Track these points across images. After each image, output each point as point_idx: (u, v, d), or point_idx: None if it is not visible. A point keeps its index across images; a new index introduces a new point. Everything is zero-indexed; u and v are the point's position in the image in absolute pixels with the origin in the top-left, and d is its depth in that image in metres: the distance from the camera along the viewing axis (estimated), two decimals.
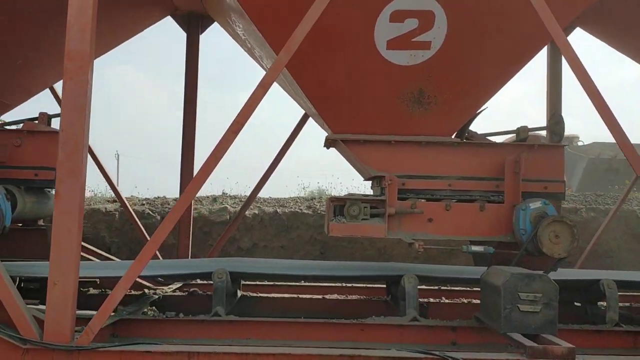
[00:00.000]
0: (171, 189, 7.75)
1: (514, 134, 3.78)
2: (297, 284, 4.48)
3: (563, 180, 3.52)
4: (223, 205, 6.00)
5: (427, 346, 3.02)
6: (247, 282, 4.64)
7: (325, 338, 3.23)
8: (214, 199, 6.34)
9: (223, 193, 6.63)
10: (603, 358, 2.49)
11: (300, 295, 4.22)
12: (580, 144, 12.61)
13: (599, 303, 3.60)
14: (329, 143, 3.68)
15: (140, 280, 4.40)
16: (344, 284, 4.86)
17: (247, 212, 5.61)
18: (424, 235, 3.40)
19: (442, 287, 4.72)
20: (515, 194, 3.35)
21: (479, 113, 3.65)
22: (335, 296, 4.25)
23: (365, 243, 5.74)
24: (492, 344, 3.04)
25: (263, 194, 6.65)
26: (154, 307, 4.07)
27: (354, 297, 4.27)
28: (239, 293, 4.11)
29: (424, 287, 4.84)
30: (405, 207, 3.39)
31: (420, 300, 4.33)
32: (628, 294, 4.36)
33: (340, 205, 3.39)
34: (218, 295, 3.27)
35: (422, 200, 3.49)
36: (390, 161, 3.48)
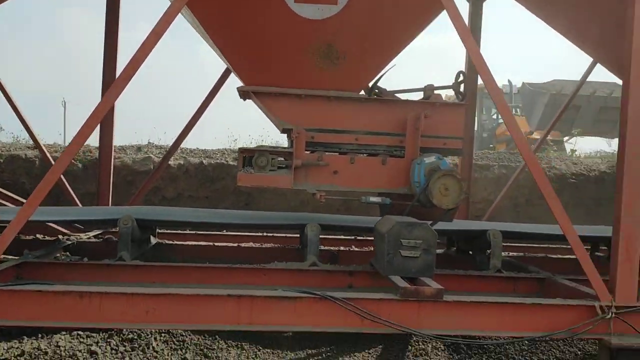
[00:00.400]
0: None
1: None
2: (215, 232, 4.60)
3: (461, 137, 3.73)
4: (147, 155, 5.97)
5: (325, 289, 3.23)
6: (169, 231, 4.74)
7: (227, 282, 3.39)
8: (139, 148, 6.29)
9: (149, 142, 6.58)
10: (467, 297, 2.74)
11: (216, 243, 4.35)
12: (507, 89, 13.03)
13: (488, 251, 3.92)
14: (242, 94, 3.73)
15: (54, 226, 4.42)
16: (265, 234, 5.05)
17: (172, 163, 5.62)
18: (329, 186, 3.56)
19: (358, 237, 4.98)
20: (414, 149, 3.54)
21: (388, 70, 3.78)
22: (250, 244, 4.41)
23: (289, 195, 5.89)
24: (384, 287, 3.28)
25: (190, 144, 6.67)
26: (67, 253, 4.11)
27: (269, 245, 4.43)
28: (154, 240, 4.20)
29: (341, 237, 5.08)
30: (312, 159, 3.52)
31: (332, 248, 4.61)
32: (522, 245, 4.75)
33: (250, 156, 3.49)
34: (123, 240, 3.34)
35: (329, 153, 3.64)
36: (300, 114, 3.58)
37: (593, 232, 3.99)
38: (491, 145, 12.82)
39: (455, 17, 2.75)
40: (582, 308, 2.73)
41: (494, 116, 13.69)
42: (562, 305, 2.72)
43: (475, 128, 13.23)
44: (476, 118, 13.76)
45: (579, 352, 4.75)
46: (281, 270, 3.43)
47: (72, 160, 5.82)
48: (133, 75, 2.54)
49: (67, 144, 7.28)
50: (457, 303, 2.68)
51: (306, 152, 3.55)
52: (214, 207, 5.79)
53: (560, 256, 4.48)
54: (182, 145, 6.07)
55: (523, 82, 12.16)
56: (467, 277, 3.51)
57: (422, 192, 3.32)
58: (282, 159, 3.50)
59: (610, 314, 2.69)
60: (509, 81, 13.04)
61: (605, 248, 4.51)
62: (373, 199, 3.45)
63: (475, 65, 2.80)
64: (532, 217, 6.13)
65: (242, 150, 3.48)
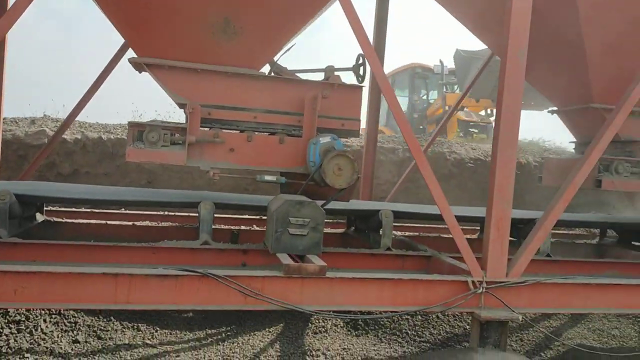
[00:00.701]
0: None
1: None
2: (110, 210, 4.42)
3: (359, 119, 3.80)
4: (41, 128, 5.61)
5: (218, 267, 3.21)
6: (62, 209, 4.50)
7: (114, 261, 3.27)
8: (33, 121, 5.89)
9: (44, 115, 6.17)
10: (349, 273, 2.82)
11: (109, 222, 4.18)
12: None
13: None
14: (135, 66, 3.58)
15: None
16: (167, 212, 4.92)
17: (68, 137, 5.31)
18: (225, 164, 3.52)
19: (263, 217, 4.98)
20: (311, 129, 3.56)
21: (288, 49, 3.77)
22: (147, 223, 4.28)
23: (195, 174, 5.77)
24: (276, 265, 3.31)
25: (91, 119, 6.34)
26: None
27: (167, 223, 4.33)
28: (40, 217, 3.97)
29: (246, 216, 5.05)
30: (208, 136, 3.45)
31: (233, 227, 4.58)
32: (419, 225, 4.96)
33: (141, 130, 3.37)
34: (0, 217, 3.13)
35: (226, 130, 3.59)
36: (196, 90, 3.49)
37: (478, 213, 4.22)
38: (421, 127, 13.03)
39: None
40: (456, 283, 2.89)
41: (424, 97, 13.89)
42: (437, 281, 2.87)
43: (405, 109, 13.49)
44: (407, 99, 14.09)
45: (467, 327, 5.09)
46: (172, 249, 3.36)
47: None
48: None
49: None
50: (339, 279, 2.76)
51: (202, 128, 3.48)
52: (114, 184, 5.55)
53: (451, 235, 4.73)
54: (80, 119, 5.77)
55: (457, 49, 12.33)
56: (359, 255, 3.61)
57: (316, 172, 3.36)
58: (176, 134, 3.41)
59: (481, 288, 2.87)
60: (440, 61, 13.30)
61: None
62: (267, 177, 3.45)
63: (364, 52, 2.85)
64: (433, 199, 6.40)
65: (132, 125, 3.35)
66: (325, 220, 5.20)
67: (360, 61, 3.93)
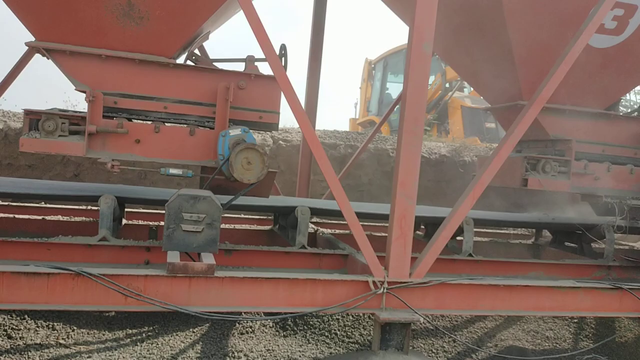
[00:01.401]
0: None
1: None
2: (21, 204, 4.20)
3: (278, 111, 3.66)
4: None
5: (119, 265, 3.03)
6: None
7: (11, 257, 3.08)
8: None
9: None
10: (239, 272, 2.68)
11: (17, 215, 3.96)
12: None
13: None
14: (35, 51, 3.37)
15: None
16: (89, 207, 4.71)
17: None
18: (129, 156, 3.34)
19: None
20: (224, 120, 3.41)
21: (202, 37, 3.60)
22: (58, 217, 4.07)
23: (126, 169, 5.53)
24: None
25: (18, 108, 6.05)
26: None
27: (80, 218, 4.12)
28: None
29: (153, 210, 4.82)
30: (110, 126, 3.26)
31: (151, 223, 4.39)
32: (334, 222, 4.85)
33: (37, 119, 3.17)
34: None
35: (132, 120, 3.41)
36: (101, 77, 3.30)
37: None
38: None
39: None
40: (356, 283, 2.78)
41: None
42: (337, 281, 2.75)
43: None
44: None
45: None
46: (69, 245, 3.16)
47: None
48: None
49: None
50: (230, 279, 2.61)
51: (105, 118, 3.30)
52: (38, 177, 5.30)
53: (383, 234, 4.63)
54: (5, 108, 5.51)
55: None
56: (273, 253, 3.48)
57: (223, 165, 3.21)
58: (76, 124, 3.22)
59: (382, 289, 2.76)
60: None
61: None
62: (173, 170, 3.27)
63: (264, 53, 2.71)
64: (374, 196, 6.31)
65: (27, 113, 3.14)
66: (253, 217, 5.15)
67: (282, 51, 3.80)
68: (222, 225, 4.66)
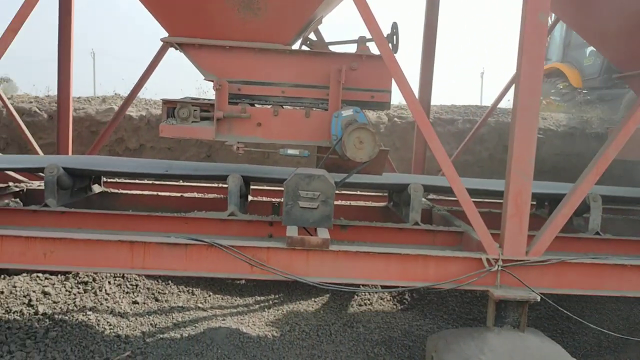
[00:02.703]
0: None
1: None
2: (162, 182, 4.71)
3: (390, 90, 3.71)
4: (110, 106, 6.05)
5: (245, 238, 3.33)
6: (125, 180, 4.88)
7: (150, 230, 3.50)
8: (103, 99, 6.36)
9: (114, 94, 6.64)
10: (354, 247, 2.80)
11: (160, 193, 4.47)
12: None
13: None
14: (169, 45, 3.74)
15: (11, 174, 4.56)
16: (220, 185, 5.15)
17: (134, 114, 5.69)
18: (252, 138, 3.61)
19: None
20: (337, 101, 3.54)
21: (315, 22, 3.74)
22: (194, 194, 4.52)
23: (250, 150, 5.94)
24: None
25: (158, 97, 6.72)
26: (17, 200, 4.28)
27: (213, 195, 4.54)
28: (98, 189, 4.33)
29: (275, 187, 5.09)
30: (235, 111, 3.55)
31: (274, 200, 4.69)
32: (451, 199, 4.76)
33: (173, 107, 3.54)
34: (48, 188, 3.47)
35: (254, 105, 3.67)
36: (226, 66, 3.59)
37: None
38: None
39: None
40: (469, 260, 2.78)
41: None
42: (449, 257, 2.78)
43: None
44: None
45: None
46: (203, 219, 3.53)
47: (38, 110, 5.96)
48: (20, 27, 2.59)
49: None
50: (344, 252, 2.76)
51: (231, 104, 3.59)
52: (176, 158, 5.89)
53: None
54: (145, 97, 6.15)
55: None
56: (386, 229, 3.57)
57: (337, 145, 3.35)
58: (206, 110, 3.54)
59: (496, 266, 2.74)
60: None
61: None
62: (291, 151, 3.49)
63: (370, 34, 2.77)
64: (495, 172, 6.09)
65: (164, 102, 3.53)
66: (369, 194, 5.26)
67: (393, 30, 3.81)
68: (339, 202, 4.86)
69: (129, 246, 2.71)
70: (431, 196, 5.19)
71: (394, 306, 4.83)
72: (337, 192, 5.31)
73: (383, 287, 2.87)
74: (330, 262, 2.75)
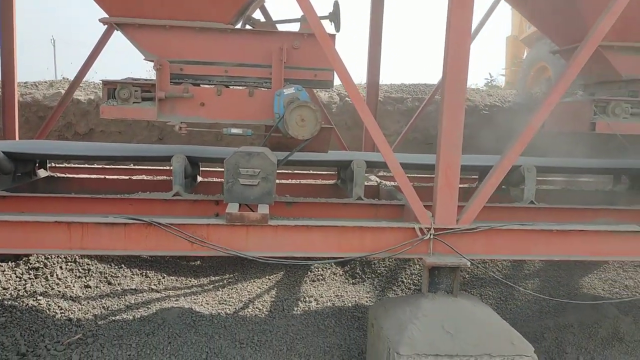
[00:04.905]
0: None
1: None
2: (110, 166, 4.68)
3: (332, 69, 3.76)
4: (58, 91, 5.93)
5: (190, 217, 3.36)
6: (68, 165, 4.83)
7: (98, 212, 3.50)
8: (51, 84, 6.23)
9: (63, 78, 6.50)
10: (292, 221, 2.88)
11: (107, 177, 4.44)
12: None
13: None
14: (108, 26, 3.70)
15: None
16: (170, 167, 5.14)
17: (82, 98, 5.59)
18: (195, 118, 3.62)
19: None
20: (279, 80, 3.58)
21: (258, 1, 3.75)
22: (142, 177, 4.51)
23: (204, 131, 5.94)
24: None
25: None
26: None
27: (162, 177, 4.54)
28: (44, 173, 4.28)
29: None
30: (177, 91, 3.55)
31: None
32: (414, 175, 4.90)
33: (113, 88, 3.52)
34: None
35: (199, 85, 3.67)
36: (167, 46, 3.57)
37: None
38: None
39: None
40: (404, 230, 2.89)
41: None
42: (384, 228, 2.88)
43: None
44: None
45: (466, 276, 5.06)
46: (148, 200, 3.54)
47: None
48: None
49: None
50: (283, 227, 2.83)
51: (174, 84, 3.58)
52: (127, 142, 5.84)
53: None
54: (95, 81, 6.05)
55: None
56: (330, 204, 3.66)
57: (279, 123, 3.39)
58: (148, 91, 3.53)
59: (429, 235, 2.86)
60: None
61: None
62: (234, 130, 3.52)
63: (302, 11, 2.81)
64: None
65: (104, 83, 3.50)
66: (320, 173, 5.35)
67: (335, 8, 3.86)
68: (289, 181, 4.93)
69: (66, 227, 2.71)
70: (381, 173, 5.31)
71: (346, 280, 4.96)
72: (288, 171, 5.41)
73: (321, 258, 2.95)
74: (270, 236, 2.82)
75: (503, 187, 4.18)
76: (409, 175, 4.87)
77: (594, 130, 3.84)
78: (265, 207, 2.91)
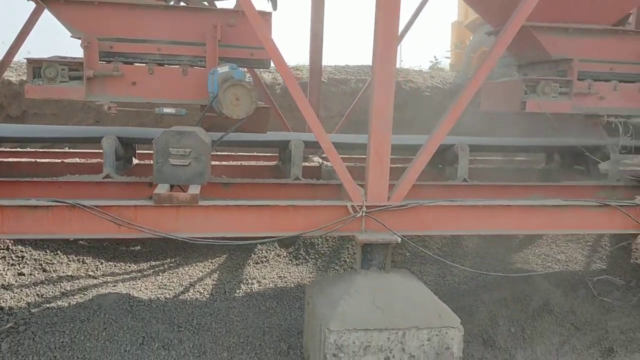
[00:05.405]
0: None
1: None
2: (42, 150, 4.50)
3: None
4: None
5: (123, 199, 3.27)
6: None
7: (25, 196, 3.35)
8: None
9: None
10: (223, 201, 2.86)
11: (39, 160, 4.28)
12: None
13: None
14: (37, 3, 3.53)
15: None
16: None
17: (14, 79, 5.33)
18: (126, 98, 3.52)
19: None
20: (214, 59, 3.51)
21: None
22: (76, 159, 4.36)
23: (142, 113, 5.77)
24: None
25: None
26: None
27: (96, 160, 4.41)
28: None
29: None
30: (107, 70, 3.43)
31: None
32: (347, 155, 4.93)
33: (39, 67, 3.37)
34: None
35: (133, 64, 3.56)
36: (96, 23, 3.43)
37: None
38: None
39: None
40: (336, 208, 2.92)
41: None
42: (317, 206, 2.90)
43: None
44: None
45: (408, 254, 5.17)
46: (78, 183, 3.44)
47: None
48: None
49: None
50: (214, 207, 2.80)
51: (102, 62, 3.46)
52: (63, 124, 5.62)
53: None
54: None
55: None
56: (269, 185, 3.65)
57: (213, 102, 3.34)
58: (75, 69, 3.40)
59: (361, 212, 2.89)
60: None
61: None
62: (167, 110, 3.44)
63: None
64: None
65: (29, 61, 3.34)
66: (262, 154, 5.32)
67: None
68: (229, 163, 4.87)
69: None
70: (324, 155, 5.32)
71: (290, 261, 4.98)
72: (229, 153, 5.34)
73: (253, 238, 2.94)
74: (201, 217, 2.78)
75: (440, 165, 4.28)
76: (356, 156, 4.97)
77: (524, 109, 3.96)
78: (196, 188, 2.87)
